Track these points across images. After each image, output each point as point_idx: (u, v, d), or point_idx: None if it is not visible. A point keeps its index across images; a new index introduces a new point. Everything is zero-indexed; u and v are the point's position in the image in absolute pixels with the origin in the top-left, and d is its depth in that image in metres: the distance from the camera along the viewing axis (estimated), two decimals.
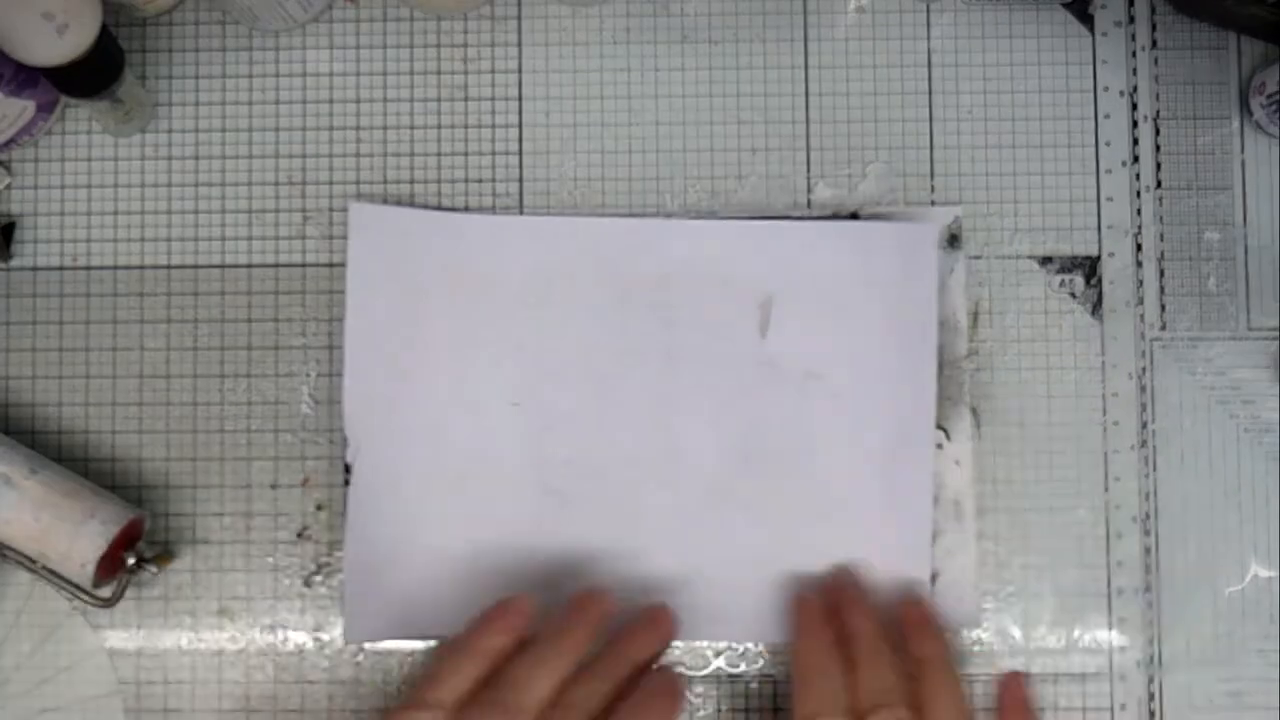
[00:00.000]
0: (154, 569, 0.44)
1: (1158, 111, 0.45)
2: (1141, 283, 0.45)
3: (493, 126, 0.46)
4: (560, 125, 0.46)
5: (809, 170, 0.46)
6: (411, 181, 0.46)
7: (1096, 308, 0.45)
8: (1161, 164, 0.45)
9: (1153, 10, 0.46)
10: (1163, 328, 0.45)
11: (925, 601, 0.43)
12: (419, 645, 0.44)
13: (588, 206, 0.45)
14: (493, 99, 0.46)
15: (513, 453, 0.44)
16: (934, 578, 0.44)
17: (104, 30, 0.39)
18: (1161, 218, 0.45)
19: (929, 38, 0.46)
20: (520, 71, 0.46)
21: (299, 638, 0.45)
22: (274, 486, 0.45)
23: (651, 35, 0.46)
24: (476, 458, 0.44)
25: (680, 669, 0.43)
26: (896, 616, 0.41)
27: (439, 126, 0.46)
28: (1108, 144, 0.45)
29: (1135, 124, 0.45)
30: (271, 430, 0.45)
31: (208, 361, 0.45)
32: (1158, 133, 0.45)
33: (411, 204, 0.45)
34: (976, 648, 0.44)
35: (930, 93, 0.46)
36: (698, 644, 0.44)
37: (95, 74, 0.40)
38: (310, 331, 0.45)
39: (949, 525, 0.44)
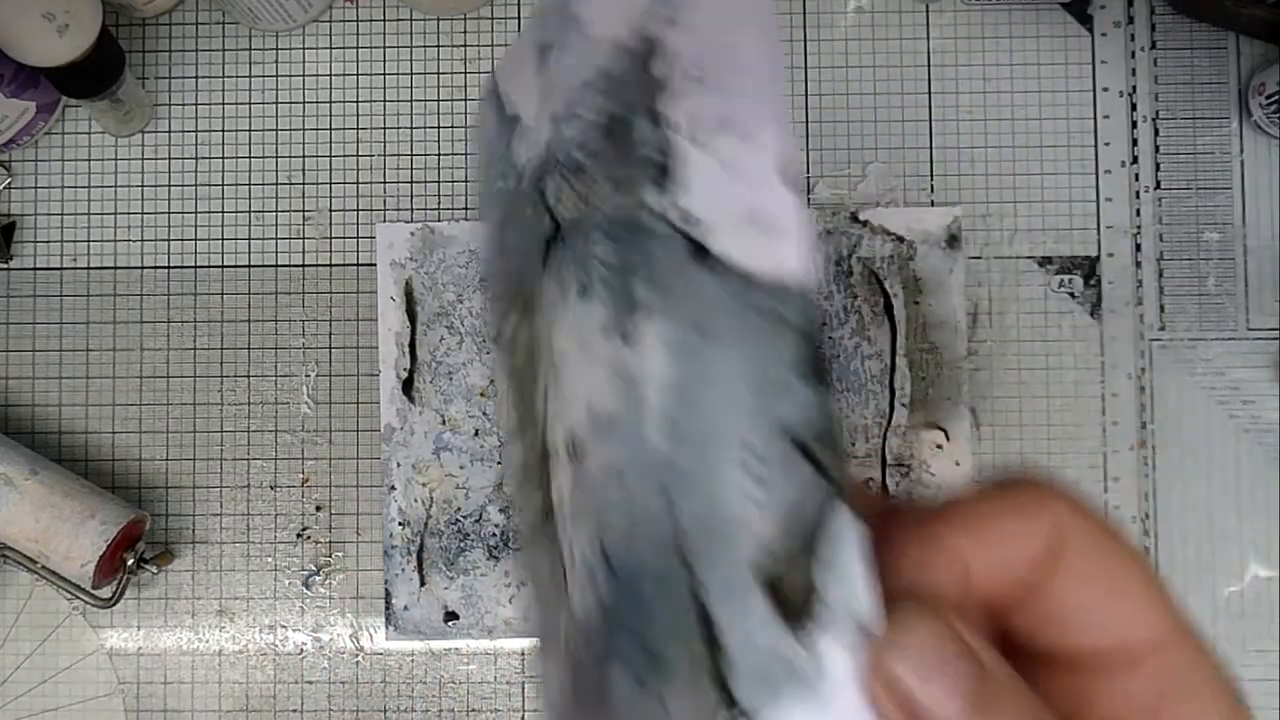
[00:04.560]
0: (154, 569, 0.44)
1: (1157, 112, 0.45)
2: (1141, 283, 0.45)
3: None
4: None
5: (809, 170, 0.46)
6: (411, 182, 0.46)
7: (1096, 308, 0.45)
8: (1161, 164, 0.45)
9: (1152, 11, 0.46)
10: (1162, 328, 0.45)
11: None
12: (418, 646, 0.44)
13: None
14: None
15: None
16: None
17: (104, 31, 0.39)
18: (1161, 218, 0.45)
19: (929, 38, 0.46)
20: None
21: (299, 638, 0.45)
22: (274, 487, 0.45)
23: None
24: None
25: None
26: None
27: (439, 127, 0.46)
28: (1107, 144, 0.45)
29: (1134, 124, 0.45)
30: (271, 430, 0.45)
31: (207, 362, 0.45)
32: (1157, 133, 0.45)
33: (425, 210, 0.45)
34: None
35: (930, 93, 0.46)
36: None
37: (95, 74, 0.40)
38: (310, 331, 0.45)
39: None
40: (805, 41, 0.46)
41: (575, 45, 0.22)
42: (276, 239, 0.46)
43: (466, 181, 0.46)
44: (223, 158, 0.46)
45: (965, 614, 0.17)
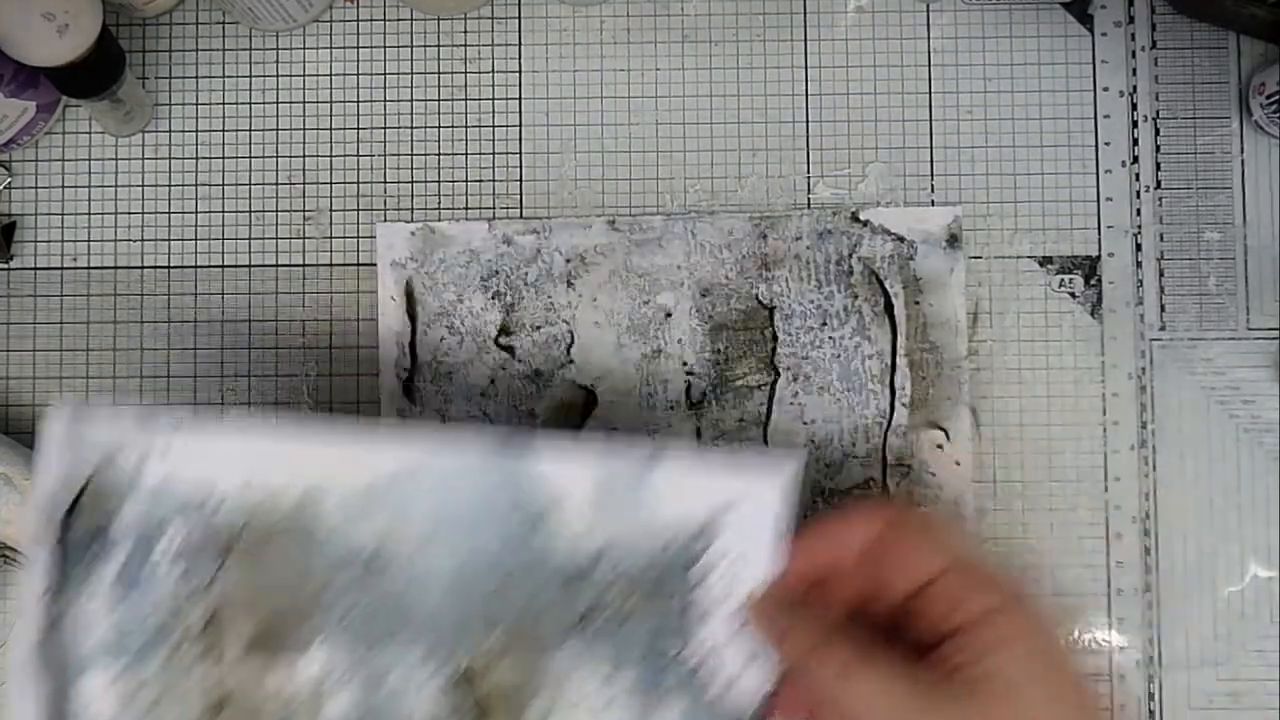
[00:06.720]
0: None
1: (1157, 112, 0.45)
2: (1141, 283, 0.45)
3: (493, 126, 0.46)
4: (560, 125, 0.46)
5: (809, 170, 0.46)
6: (412, 182, 0.46)
7: (1096, 308, 0.45)
8: (1161, 164, 0.45)
9: (1153, 10, 0.46)
10: (1162, 328, 0.45)
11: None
12: None
13: (587, 206, 0.46)
14: (493, 99, 0.46)
15: None
16: None
17: (104, 30, 0.39)
18: (1161, 218, 0.45)
19: (929, 38, 0.46)
20: (520, 72, 0.46)
21: None
22: None
23: (651, 35, 0.46)
24: None
25: None
26: None
27: (439, 127, 0.46)
28: (1107, 144, 0.45)
29: (1135, 124, 0.45)
30: None
31: (208, 361, 0.45)
32: (1157, 133, 0.45)
33: (425, 210, 0.46)
34: None
35: (930, 93, 0.46)
36: None
37: (95, 74, 0.41)
38: (310, 331, 0.45)
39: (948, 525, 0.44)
40: (805, 41, 0.46)
41: (642, 516, 0.34)
42: (276, 239, 0.46)
43: (467, 182, 0.46)
44: (223, 158, 0.46)
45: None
